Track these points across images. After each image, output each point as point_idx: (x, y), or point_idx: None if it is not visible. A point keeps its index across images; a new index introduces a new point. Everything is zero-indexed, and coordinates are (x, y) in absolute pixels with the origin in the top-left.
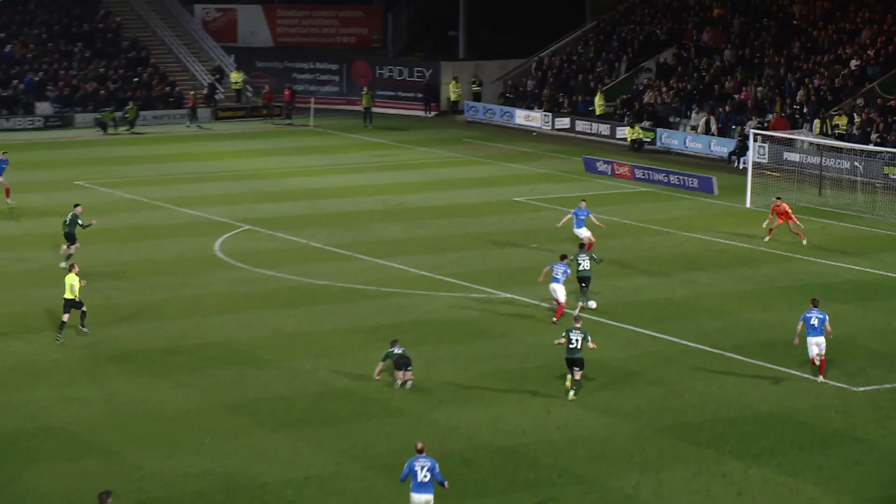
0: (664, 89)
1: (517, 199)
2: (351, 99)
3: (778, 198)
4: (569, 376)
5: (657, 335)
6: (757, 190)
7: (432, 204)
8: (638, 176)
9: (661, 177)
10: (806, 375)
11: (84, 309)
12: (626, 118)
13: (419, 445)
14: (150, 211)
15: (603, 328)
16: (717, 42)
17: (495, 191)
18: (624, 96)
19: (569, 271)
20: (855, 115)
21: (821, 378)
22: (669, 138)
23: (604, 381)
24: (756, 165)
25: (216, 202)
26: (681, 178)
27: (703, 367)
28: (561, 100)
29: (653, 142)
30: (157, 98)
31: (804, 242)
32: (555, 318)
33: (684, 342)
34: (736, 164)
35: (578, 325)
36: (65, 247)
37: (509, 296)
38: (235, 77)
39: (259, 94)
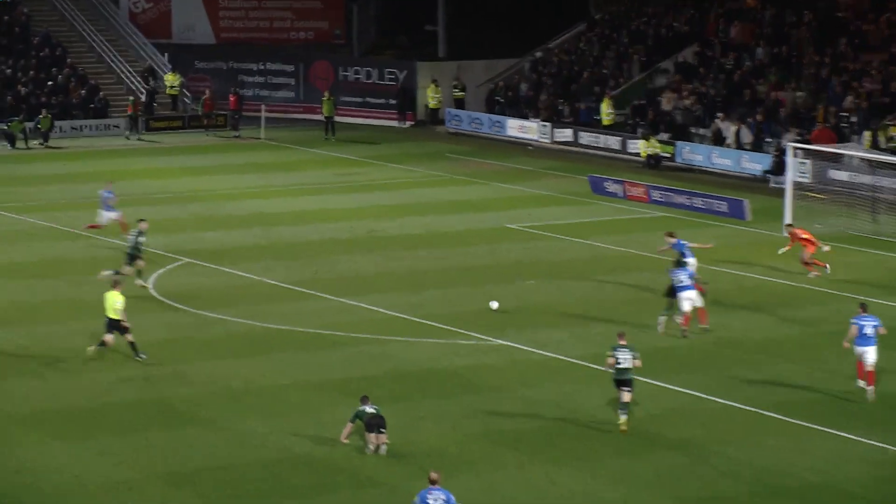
0: (684, 94)
1: (510, 225)
2: (309, 106)
3: (789, 224)
4: (622, 416)
5: (680, 389)
6: (798, 215)
7: (409, 232)
8: (654, 198)
9: (682, 199)
10: (859, 438)
11: (130, 338)
12: (639, 129)
13: (433, 476)
14: (69, 241)
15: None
16: (747, 38)
17: (484, 216)
18: (636, 102)
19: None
20: (892, 124)
21: (870, 388)
22: (692, 153)
23: (617, 444)
24: (796, 186)
25: (149, 230)
26: (706, 200)
27: (735, 428)
28: (561, 107)
29: (672, 157)
30: (75, 105)
31: (827, 270)
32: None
33: (713, 398)
34: (772, 184)
35: (624, 342)
36: (128, 268)
37: (502, 342)
38: (170, 80)
39: (199, 101)
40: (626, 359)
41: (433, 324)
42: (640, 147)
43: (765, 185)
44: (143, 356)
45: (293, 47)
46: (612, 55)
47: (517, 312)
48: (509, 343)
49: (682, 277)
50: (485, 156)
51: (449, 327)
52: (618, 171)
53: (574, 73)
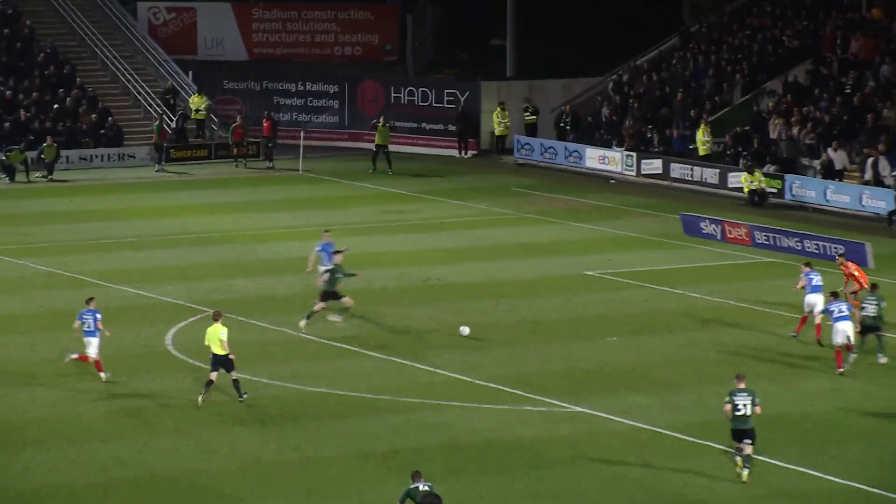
0: (794, 119)
1: (589, 272)
2: (355, 133)
3: (840, 254)
4: (737, 458)
5: (817, 474)
6: None
7: (470, 280)
8: (759, 241)
9: (791, 242)
10: None
11: (235, 376)
12: (741, 160)
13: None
14: (75, 289)
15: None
16: (869, 53)
17: (558, 261)
18: (738, 129)
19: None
20: None
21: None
22: (803, 188)
23: None
24: None
25: (169, 277)
26: (820, 244)
27: None
28: (649, 135)
29: (780, 193)
30: (85, 132)
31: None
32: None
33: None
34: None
35: (743, 385)
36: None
37: (577, 409)
38: (196, 102)
39: (228, 127)
40: (745, 405)
41: (497, 387)
42: (743, 181)
43: (890, 227)
44: (245, 395)
45: (337, 65)
46: (711, 73)
47: (596, 374)
48: (586, 410)
49: (842, 308)
50: (559, 191)
51: (515, 391)
52: (715, 209)
53: (665, 94)
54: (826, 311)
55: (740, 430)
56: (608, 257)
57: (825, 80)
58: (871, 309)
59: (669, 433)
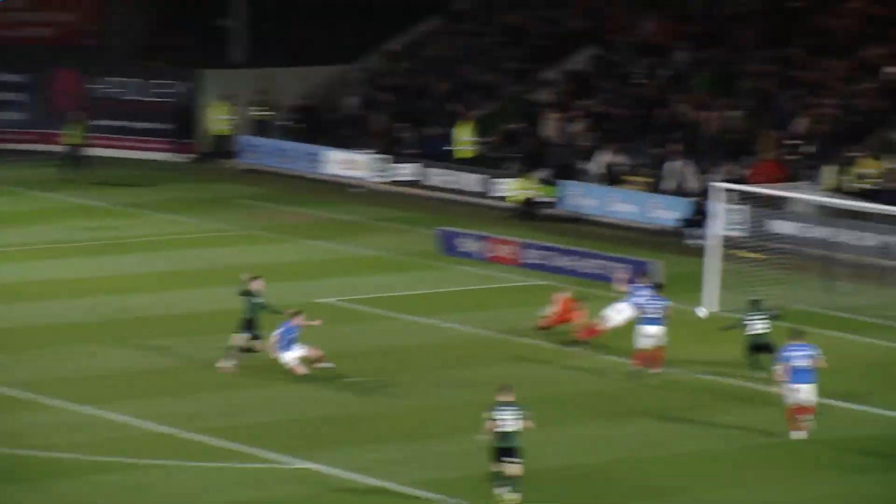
0: (575, 114)
1: (325, 300)
2: (46, 133)
3: (574, 298)
4: (498, 491)
5: None
6: (728, 283)
7: (180, 311)
8: (529, 260)
9: (567, 261)
10: None
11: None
12: (510, 164)
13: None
14: None
15: None
16: (665, 37)
17: (290, 287)
18: (506, 127)
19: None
20: (888, 157)
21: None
22: (583, 197)
23: None
24: (726, 242)
25: None
26: (602, 263)
27: None
28: (402, 134)
29: (554, 203)
30: None
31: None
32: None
33: None
34: (691, 240)
35: (508, 399)
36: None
37: (309, 465)
38: None
39: None
40: (509, 421)
41: (210, 440)
42: (512, 189)
43: (682, 241)
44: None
45: (26, 49)
46: (477, 61)
47: (332, 422)
48: (318, 467)
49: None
50: (293, 202)
51: (233, 445)
52: (479, 222)
53: (423, 85)
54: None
55: (503, 448)
56: (350, 281)
57: (611, 69)
58: (759, 326)
59: (418, 492)
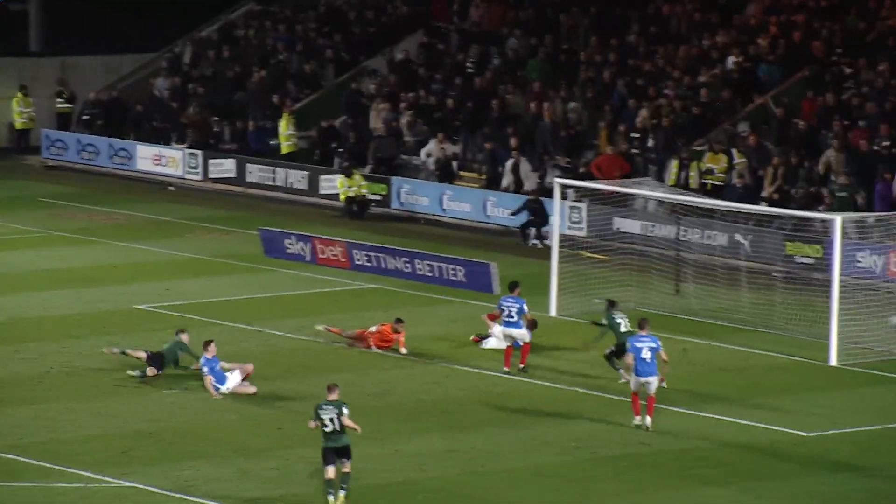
0: (403, 106)
1: (141, 306)
2: None
3: (398, 319)
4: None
5: None
6: (567, 286)
7: None
8: (358, 262)
9: (400, 264)
10: None
11: None
12: (336, 160)
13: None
14: None
15: None
16: (495, 24)
17: (100, 293)
18: (326, 123)
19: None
20: (734, 151)
21: (648, 419)
22: (415, 194)
23: None
24: (567, 242)
25: None
26: (435, 265)
27: None
28: (218, 128)
29: (385, 201)
30: None
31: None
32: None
33: None
34: (531, 241)
35: (334, 396)
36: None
37: (125, 483)
38: None
39: None
40: (332, 419)
41: (16, 458)
42: (339, 186)
43: (522, 242)
44: None
45: None
46: (298, 49)
47: (150, 437)
48: (135, 484)
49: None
50: (102, 201)
51: (42, 463)
52: (305, 222)
53: (239, 75)
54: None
55: (333, 449)
56: (165, 286)
57: (439, 58)
58: (623, 325)
59: None
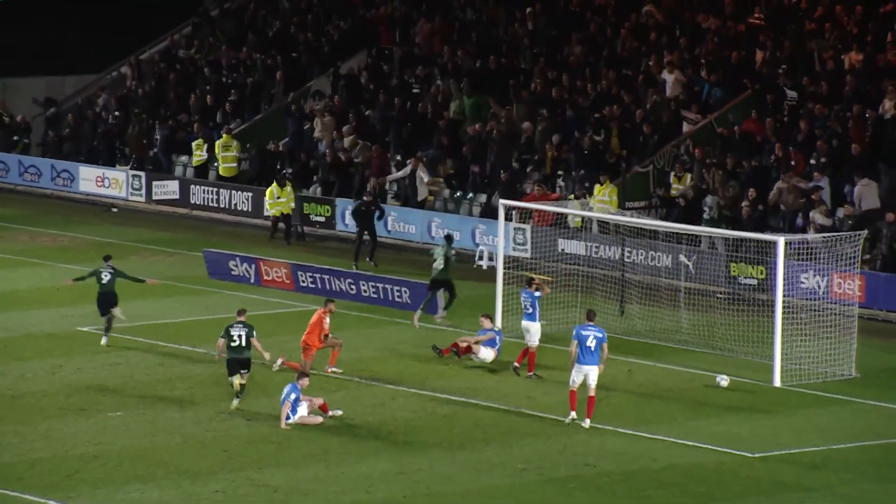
0: (348, 128)
1: (85, 328)
2: None
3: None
4: (234, 380)
5: None
6: (512, 307)
7: None
8: (303, 284)
9: (345, 285)
10: None
11: None
12: (279, 180)
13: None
14: None
15: None
16: (438, 44)
17: (43, 315)
18: (271, 146)
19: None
20: (673, 172)
21: (587, 421)
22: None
23: None
24: (511, 263)
25: None
26: (381, 287)
27: None
28: (156, 150)
29: (329, 222)
30: None
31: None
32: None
33: None
34: (480, 262)
35: (243, 319)
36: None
37: None
38: None
39: None
40: (240, 335)
41: None
42: (267, 198)
43: (470, 265)
44: None
45: None
46: (238, 71)
47: (95, 460)
48: None
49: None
50: (45, 223)
51: None
52: (249, 244)
53: (180, 95)
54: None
55: (236, 361)
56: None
57: (383, 77)
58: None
59: None
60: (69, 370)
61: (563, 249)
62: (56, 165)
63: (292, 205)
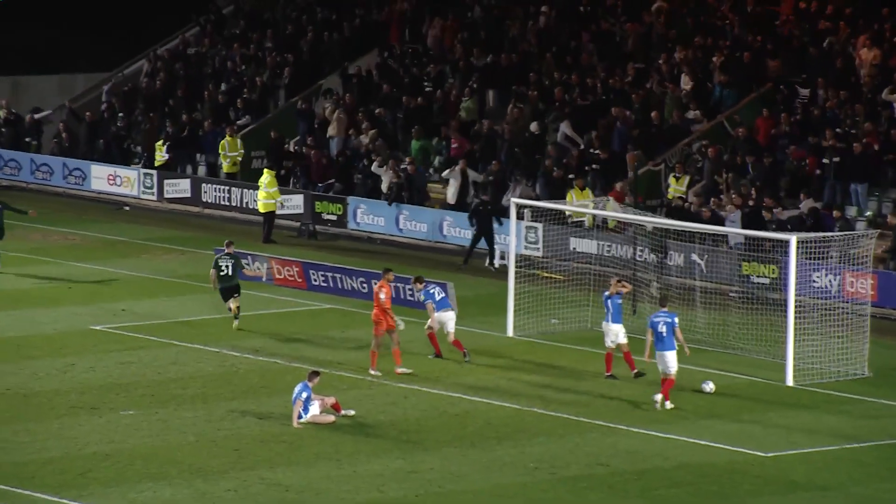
0: (365, 125)
1: (97, 327)
2: None
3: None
4: (230, 304)
5: None
6: (522, 306)
7: None
8: (315, 282)
9: (355, 283)
10: None
11: None
12: (292, 179)
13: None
14: None
15: None
16: (449, 42)
17: (55, 313)
18: (282, 139)
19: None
20: (672, 173)
21: (665, 402)
22: (372, 213)
23: None
24: (524, 262)
25: None
26: (393, 286)
27: None
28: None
29: (341, 220)
30: None
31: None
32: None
33: None
34: (490, 262)
35: (229, 251)
36: None
37: None
38: None
39: None
40: (227, 265)
41: None
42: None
43: (480, 263)
44: None
45: None
46: (248, 67)
47: (107, 459)
48: None
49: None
50: (57, 221)
51: (3, 486)
52: (261, 242)
53: (190, 93)
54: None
55: (227, 288)
56: (122, 307)
57: (394, 76)
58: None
59: None
60: (81, 369)
61: (574, 248)
62: (68, 164)
63: (278, 204)
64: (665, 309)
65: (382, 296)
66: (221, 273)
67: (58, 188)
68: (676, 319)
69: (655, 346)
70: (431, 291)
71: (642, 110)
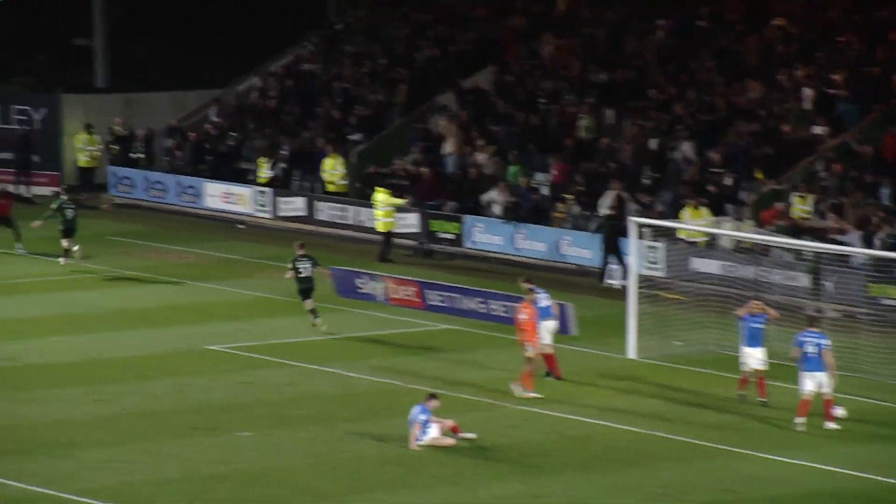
0: (480, 141)
1: (213, 347)
2: None
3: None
4: (314, 321)
5: None
6: (647, 327)
7: (52, 359)
8: (432, 302)
9: (474, 303)
10: None
11: None
12: (406, 198)
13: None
14: None
15: None
16: (564, 58)
17: (172, 333)
18: (397, 163)
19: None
20: (796, 193)
21: (830, 421)
22: (488, 233)
23: None
24: (644, 283)
25: None
26: (511, 306)
27: None
28: (280, 165)
29: (458, 240)
30: None
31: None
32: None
33: None
34: (610, 281)
35: (303, 252)
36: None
37: None
38: None
39: None
40: (307, 267)
41: (90, 502)
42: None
43: (599, 282)
44: None
45: None
46: (363, 84)
47: (228, 480)
48: None
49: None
50: (171, 240)
51: None
52: (375, 261)
53: (302, 112)
54: None
55: (305, 289)
56: (238, 327)
57: (511, 91)
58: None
59: None
60: (197, 388)
61: (696, 268)
62: (182, 181)
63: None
64: (816, 329)
65: (523, 316)
66: (300, 275)
67: (172, 206)
68: (828, 342)
69: (801, 367)
70: (539, 298)
71: (764, 127)
